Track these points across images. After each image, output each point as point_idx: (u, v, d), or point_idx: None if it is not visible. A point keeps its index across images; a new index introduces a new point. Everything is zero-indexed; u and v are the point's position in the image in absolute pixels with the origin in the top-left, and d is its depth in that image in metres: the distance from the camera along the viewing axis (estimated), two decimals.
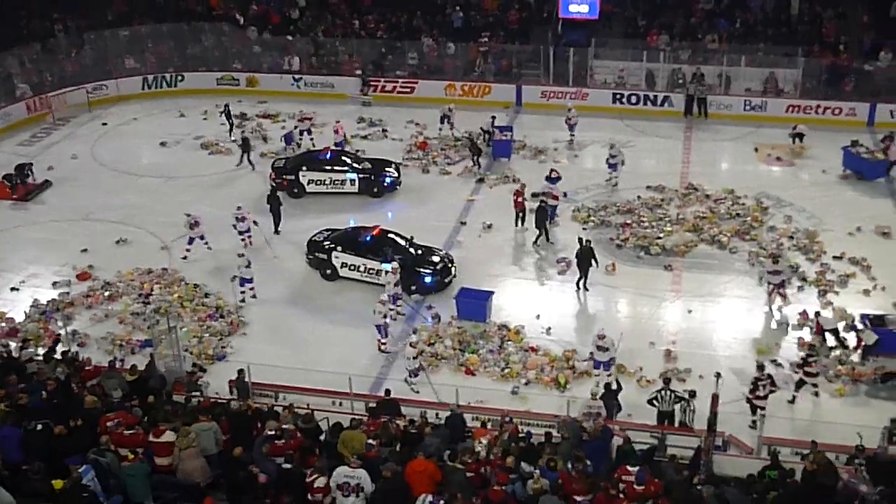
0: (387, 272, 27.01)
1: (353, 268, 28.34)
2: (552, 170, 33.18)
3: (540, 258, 30.00)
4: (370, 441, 18.12)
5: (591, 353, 23.86)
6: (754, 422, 21.79)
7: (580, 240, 27.96)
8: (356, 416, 20.62)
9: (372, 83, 43.60)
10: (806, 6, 44.46)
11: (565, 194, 32.51)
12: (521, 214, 31.42)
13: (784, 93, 41.60)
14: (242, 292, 27.69)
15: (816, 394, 23.47)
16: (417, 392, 23.42)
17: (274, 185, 33.11)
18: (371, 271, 28.06)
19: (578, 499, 16.52)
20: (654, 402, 21.89)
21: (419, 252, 28.56)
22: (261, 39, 46.17)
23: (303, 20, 47.31)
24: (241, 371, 22.68)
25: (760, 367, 22.72)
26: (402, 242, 28.69)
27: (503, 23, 45.64)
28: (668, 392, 21.80)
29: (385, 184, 34.09)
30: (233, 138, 38.70)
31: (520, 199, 31.34)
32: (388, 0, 47.29)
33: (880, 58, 41.39)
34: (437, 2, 47.03)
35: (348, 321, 26.54)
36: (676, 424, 21.81)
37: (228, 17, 47.06)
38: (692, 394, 21.84)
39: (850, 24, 44.00)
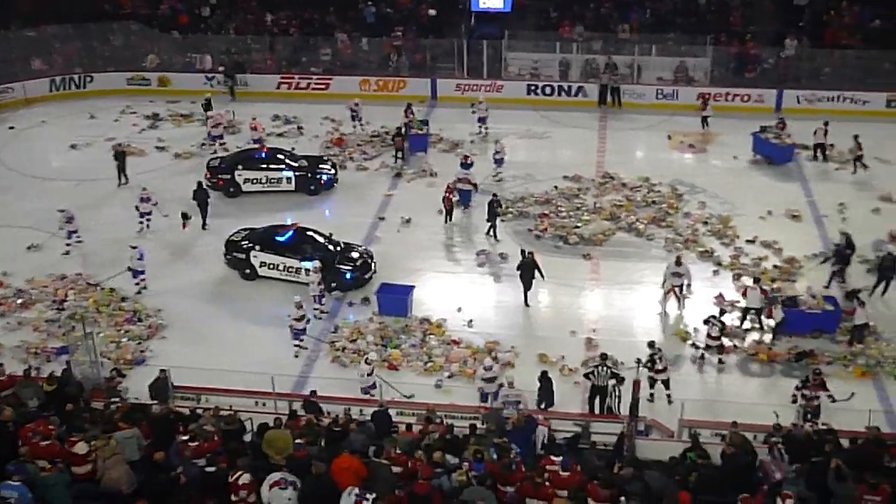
0: (308, 271, 26.83)
1: (272, 267, 28.11)
2: (465, 155, 33.50)
3: (460, 250, 30.06)
4: (298, 441, 18.03)
5: (480, 388, 22.94)
6: (651, 395, 22.62)
7: (522, 252, 27.50)
8: (280, 416, 20.44)
9: (234, 78, 43.09)
10: None
11: (476, 187, 32.41)
12: (449, 211, 31.49)
13: (695, 81, 42.26)
14: (136, 283, 27.56)
15: (720, 360, 24.15)
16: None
17: (209, 184, 32.70)
18: (291, 270, 27.85)
19: (505, 489, 16.66)
20: (591, 376, 22.38)
21: (338, 249, 28.42)
22: (171, 38, 45.47)
23: (213, 18, 46.73)
24: (160, 374, 22.35)
25: (651, 344, 23.11)
26: (321, 240, 28.51)
27: (416, 17, 45.61)
28: (605, 368, 22.27)
29: (322, 181, 33.85)
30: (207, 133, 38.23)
31: (450, 196, 31.39)
32: None
33: (786, 45, 42.28)
34: None
35: (269, 321, 26.30)
36: (607, 402, 22.21)
37: (138, 16, 46.24)
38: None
39: (757, 13, 44.86)
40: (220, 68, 43.72)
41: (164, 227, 31.06)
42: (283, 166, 33.64)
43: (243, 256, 28.40)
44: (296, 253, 27.89)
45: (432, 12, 45.25)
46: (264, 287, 28.07)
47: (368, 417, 20.58)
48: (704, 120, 38.16)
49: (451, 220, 31.50)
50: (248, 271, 28.41)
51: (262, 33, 45.73)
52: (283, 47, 45.07)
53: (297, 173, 33.51)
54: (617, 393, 21.97)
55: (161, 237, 30.76)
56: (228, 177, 33.38)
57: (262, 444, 17.92)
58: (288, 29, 45.74)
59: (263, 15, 46.31)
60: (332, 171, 34.27)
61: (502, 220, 31.19)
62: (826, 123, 35.89)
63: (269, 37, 45.54)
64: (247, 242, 28.66)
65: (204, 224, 31.15)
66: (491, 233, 30.45)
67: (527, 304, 26.99)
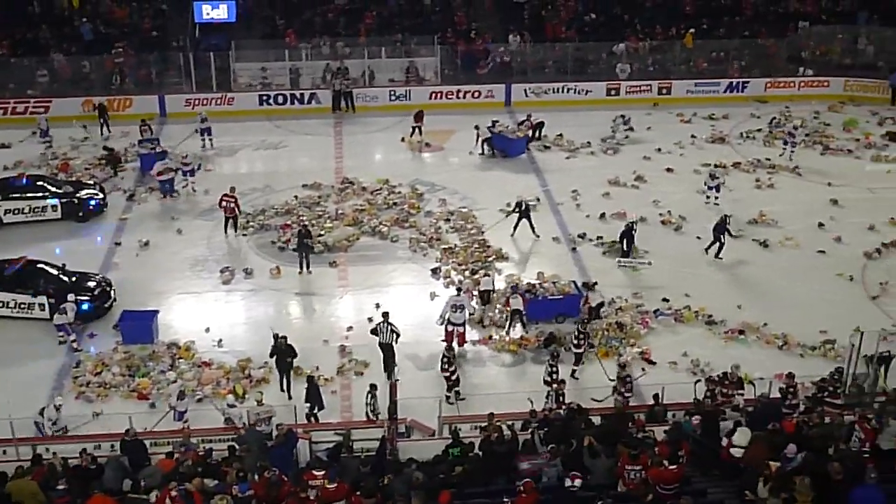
0: (64, 310, 25.18)
1: (1, 304, 26.29)
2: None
3: (203, 269, 29.16)
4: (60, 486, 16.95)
5: (224, 412, 22.50)
6: (456, 393, 22.95)
7: (275, 336, 23.70)
8: (22, 464, 19.07)
9: None
10: None
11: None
12: (231, 220, 30.80)
13: (426, 80, 42.91)
14: None
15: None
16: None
17: None
18: (22, 306, 26.11)
19: None
20: (375, 332, 23.77)
21: (73, 279, 26.88)
22: None
23: None
24: None
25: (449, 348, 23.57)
26: (54, 271, 26.90)
27: (138, 32, 43.99)
28: (387, 325, 23.62)
29: (91, 206, 32.11)
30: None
31: (230, 205, 30.74)
32: (8, 14, 44.04)
33: (510, 41, 43.65)
34: (64, 14, 44.55)
35: (2, 362, 24.60)
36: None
37: None
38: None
39: (479, 11, 46.13)
40: None
41: None
42: (46, 193, 31.67)
43: None
44: (27, 288, 26.16)
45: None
46: None
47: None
48: (416, 129, 38.34)
49: (235, 231, 30.92)
50: None
51: None
52: None
53: (62, 200, 31.63)
54: (374, 400, 21.86)
55: None
56: None
57: (9, 496, 16.71)
58: None
59: None
60: (101, 196, 32.66)
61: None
62: (529, 116, 37.78)
63: None
64: None
65: None
66: (304, 267, 28.88)
67: (282, 390, 23.99)
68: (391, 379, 22.18)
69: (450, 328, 24.85)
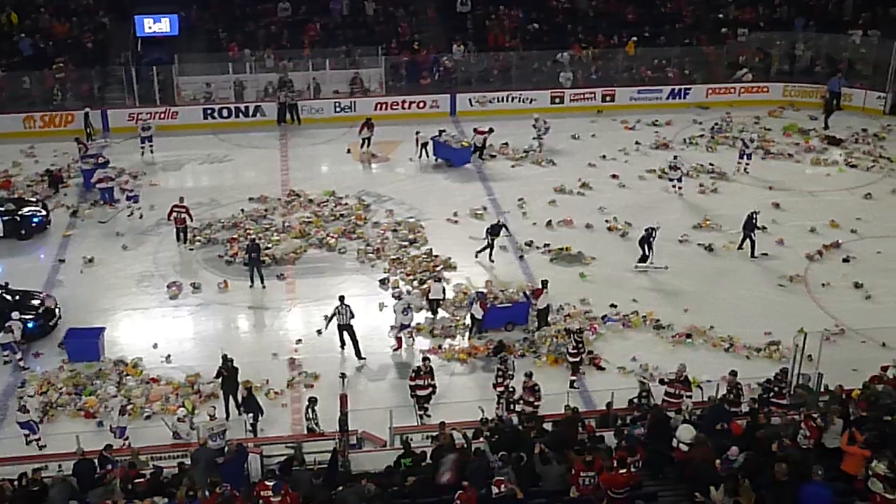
0: (7, 326, 24.76)
1: None
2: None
3: (150, 285, 28.89)
4: None
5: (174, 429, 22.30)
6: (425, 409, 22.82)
7: (224, 357, 23.37)
8: None
9: None
10: (380, 7, 46.10)
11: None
12: (181, 230, 30.71)
13: (370, 92, 42.90)
14: None
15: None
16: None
17: None
18: None
19: None
20: (334, 316, 24.86)
21: (16, 298, 26.49)
22: None
23: None
24: None
25: (425, 359, 23.46)
26: None
27: (79, 46, 43.50)
28: (345, 307, 24.79)
29: (33, 224, 31.65)
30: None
31: (181, 216, 30.61)
32: None
33: (454, 51, 43.78)
34: (2, 30, 43.90)
35: None
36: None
37: None
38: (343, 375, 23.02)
39: (422, 22, 46.22)
40: None
41: None
42: None
43: None
44: None
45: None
46: None
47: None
48: (367, 141, 38.23)
49: (185, 241, 30.82)
50: None
51: None
52: None
53: (3, 217, 31.16)
54: (315, 415, 21.77)
55: None
56: None
57: None
58: None
59: None
60: (43, 213, 32.23)
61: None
62: (490, 130, 37.74)
63: None
64: None
65: None
66: (257, 282, 28.70)
67: (227, 411, 23.64)
68: (345, 375, 22.12)
69: (400, 334, 25.17)
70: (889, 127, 40.89)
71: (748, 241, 29.83)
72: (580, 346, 24.04)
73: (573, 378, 23.97)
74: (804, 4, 47.20)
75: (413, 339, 25.67)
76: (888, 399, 20.74)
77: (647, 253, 29.13)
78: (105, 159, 35.75)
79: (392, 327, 25.51)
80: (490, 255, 29.52)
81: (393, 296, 27.19)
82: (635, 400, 22.04)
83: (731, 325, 26.21)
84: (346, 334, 25.12)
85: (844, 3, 46.52)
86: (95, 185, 33.62)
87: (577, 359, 23.99)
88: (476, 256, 29.60)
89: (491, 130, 37.91)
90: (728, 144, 38.71)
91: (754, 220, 29.73)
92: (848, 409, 19.41)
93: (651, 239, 29.04)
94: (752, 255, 29.77)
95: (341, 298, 25.17)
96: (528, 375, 22.39)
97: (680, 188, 33.72)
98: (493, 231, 29.47)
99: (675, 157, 34.82)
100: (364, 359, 24.96)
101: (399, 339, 25.42)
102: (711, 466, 17.26)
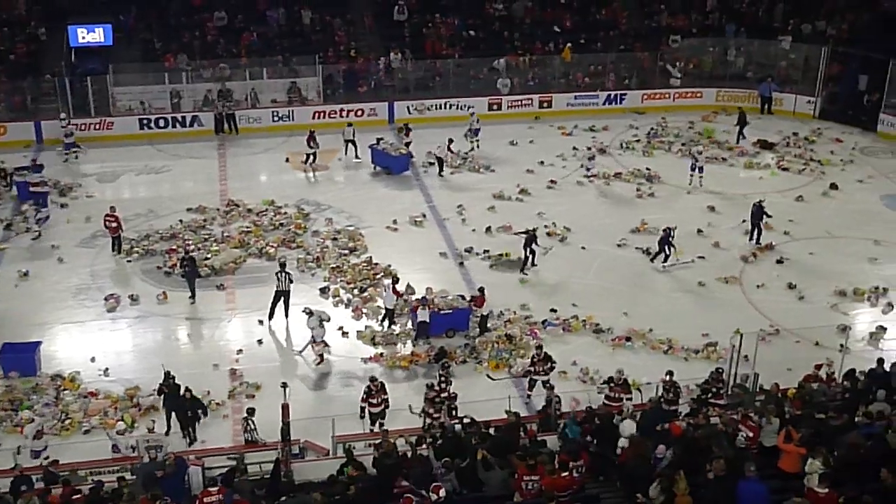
0: None
1: None
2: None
3: (87, 297, 28.53)
4: None
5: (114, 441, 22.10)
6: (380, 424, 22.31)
7: (167, 374, 23.15)
8: None
9: None
10: (317, 16, 46.03)
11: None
12: (115, 239, 30.54)
13: (308, 100, 42.82)
14: None
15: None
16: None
17: None
18: None
19: None
20: (277, 282, 26.56)
21: None
22: None
23: None
24: None
25: (372, 379, 22.85)
26: None
27: (9, 58, 42.83)
28: (284, 273, 26.77)
29: None
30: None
31: (113, 224, 30.36)
32: None
33: (391, 58, 43.86)
34: None
35: None
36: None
37: None
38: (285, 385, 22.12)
39: (359, 30, 46.23)
40: None
41: None
42: None
43: None
44: None
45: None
46: None
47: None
48: (311, 156, 38.08)
49: (119, 251, 30.60)
50: None
51: None
52: None
53: None
54: (253, 426, 21.63)
55: None
56: None
57: None
58: None
59: None
60: None
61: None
62: (451, 141, 37.90)
63: None
64: None
65: None
66: (193, 298, 28.40)
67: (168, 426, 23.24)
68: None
69: (318, 348, 25.24)
70: (819, 130, 41.80)
71: (755, 230, 31.06)
72: (537, 361, 23.79)
73: (529, 393, 23.90)
74: (735, 11, 48.09)
75: (329, 349, 25.45)
76: (822, 397, 21.24)
77: (668, 253, 29.63)
78: (40, 164, 35.58)
79: (310, 343, 25.42)
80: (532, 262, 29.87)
81: (303, 311, 26.25)
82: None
83: (670, 327, 26.54)
84: (281, 300, 26.69)
85: (774, 10, 47.41)
86: (31, 187, 33.35)
87: (535, 373, 23.83)
88: (524, 272, 29.72)
89: (451, 141, 38.11)
90: (664, 149, 39.26)
91: (763, 209, 30.95)
92: (783, 407, 19.77)
93: (671, 238, 29.62)
94: (757, 243, 31.08)
95: (282, 265, 27.00)
96: (430, 387, 22.26)
97: (701, 178, 35.65)
98: (528, 241, 29.65)
99: (700, 153, 36.63)
100: (298, 349, 25.84)
101: (321, 355, 25.31)
102: (647, 464, 17.47)
